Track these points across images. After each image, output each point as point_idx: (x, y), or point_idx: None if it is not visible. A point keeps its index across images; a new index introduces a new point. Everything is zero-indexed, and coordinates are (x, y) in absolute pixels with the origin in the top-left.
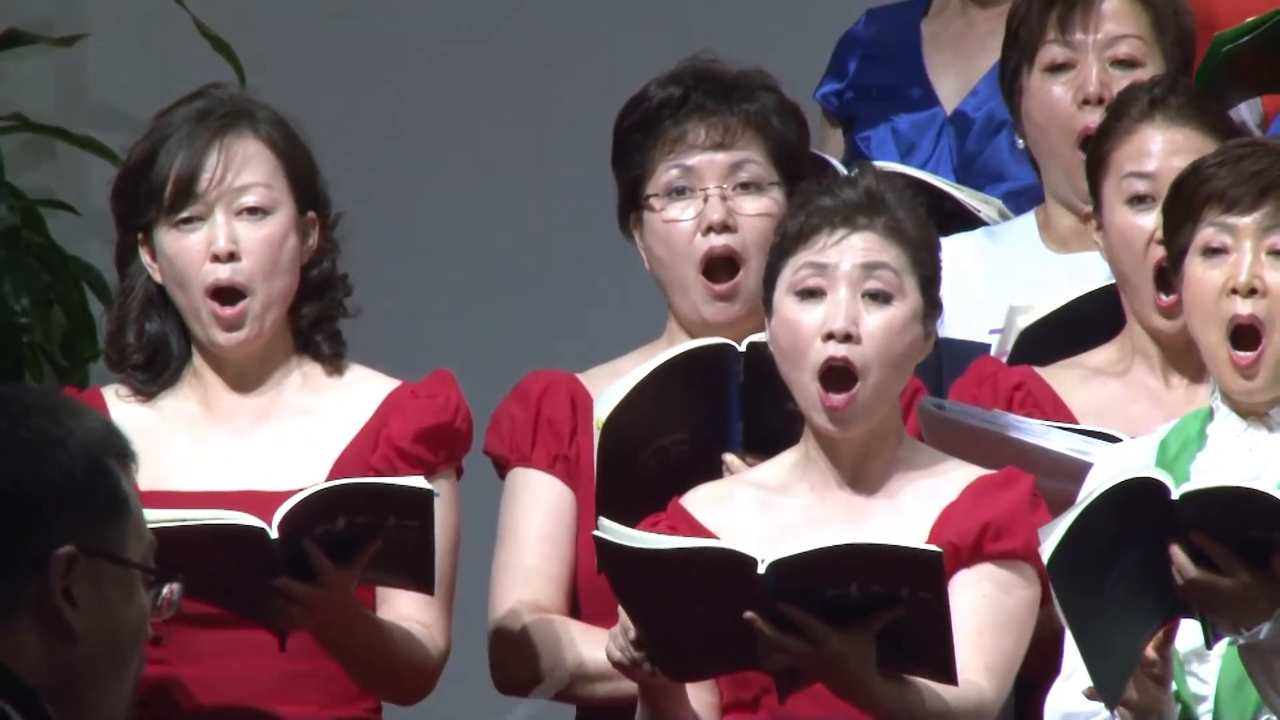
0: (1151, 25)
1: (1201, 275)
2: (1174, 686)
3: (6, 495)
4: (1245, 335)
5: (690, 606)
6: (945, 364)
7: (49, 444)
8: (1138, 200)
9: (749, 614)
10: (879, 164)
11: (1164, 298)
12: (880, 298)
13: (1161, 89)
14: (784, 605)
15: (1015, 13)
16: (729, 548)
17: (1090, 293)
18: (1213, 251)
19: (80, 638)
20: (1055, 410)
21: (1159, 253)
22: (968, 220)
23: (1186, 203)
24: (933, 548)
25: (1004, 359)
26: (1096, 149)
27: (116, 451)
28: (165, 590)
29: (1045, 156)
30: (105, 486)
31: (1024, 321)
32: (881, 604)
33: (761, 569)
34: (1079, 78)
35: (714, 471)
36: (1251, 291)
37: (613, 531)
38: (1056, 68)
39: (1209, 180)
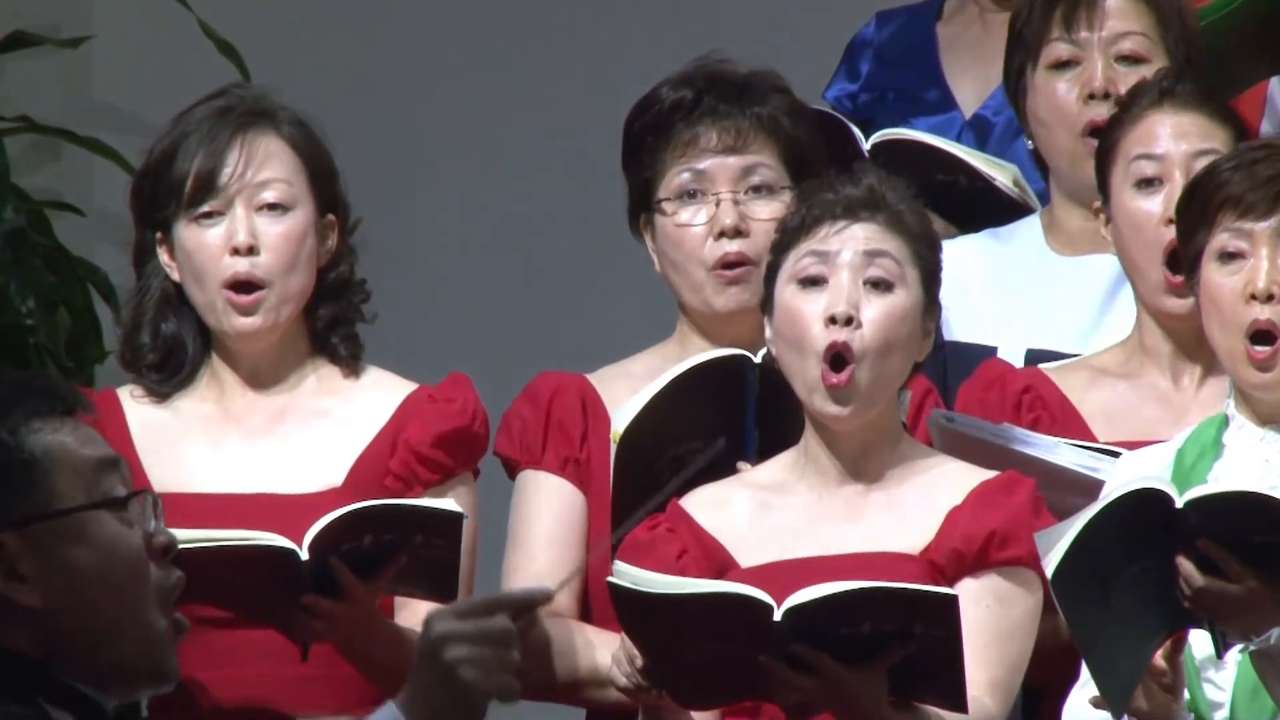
0: (1155, 22)
1: (1219, 281)
2: (1186, 695)
3: None
4: (1263, 338)
5: (702, 643)
6: (950, 366)
7: None
8: (1145, 184)
9: (763, 658)
10: (893, 131)
11: (1173, 275)
12: (882, 285)
13: (1170, 80)
14: (797, 646)
15: (1018, 15)
16: (745, 593)
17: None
18: (1229, 256)
19: (43, 608)
20: (1064, 412)
21: (1168, 234)
22: (982, 200)
23: (1201, 206)
24: (948, 590)
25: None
26: (1106, 139)
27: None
28: (139, 502)
29: (1051, 152)
30: (4, 459)
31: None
32: (894, 640)
33: (778, 615)
34: (1084, 73)
35: None
36: (1269, 297)
37: (627, 576)
38: (1061, 65)
39: (1224, 185)
